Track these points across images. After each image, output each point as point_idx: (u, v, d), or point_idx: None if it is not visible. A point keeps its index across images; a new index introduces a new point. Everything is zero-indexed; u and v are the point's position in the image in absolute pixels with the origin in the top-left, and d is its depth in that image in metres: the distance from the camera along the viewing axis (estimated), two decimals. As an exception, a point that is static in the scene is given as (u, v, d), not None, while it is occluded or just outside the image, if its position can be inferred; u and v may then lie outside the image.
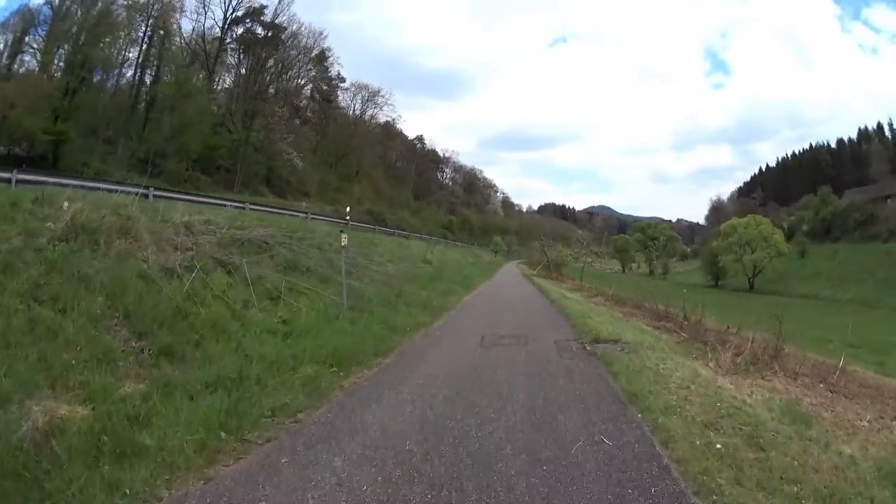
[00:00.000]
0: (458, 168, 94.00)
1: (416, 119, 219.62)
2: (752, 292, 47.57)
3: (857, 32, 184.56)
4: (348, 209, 19.50)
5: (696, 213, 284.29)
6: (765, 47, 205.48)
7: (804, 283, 46.24)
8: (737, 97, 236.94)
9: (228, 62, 49.77)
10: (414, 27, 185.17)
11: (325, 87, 61.58)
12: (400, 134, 73.74)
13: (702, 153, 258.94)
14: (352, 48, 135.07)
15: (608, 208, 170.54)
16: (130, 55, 37.79)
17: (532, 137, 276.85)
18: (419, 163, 79.27)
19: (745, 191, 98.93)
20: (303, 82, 58.61)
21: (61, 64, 32.19)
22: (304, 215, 15.84)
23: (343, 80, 62.63)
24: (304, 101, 61.06)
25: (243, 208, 13.69)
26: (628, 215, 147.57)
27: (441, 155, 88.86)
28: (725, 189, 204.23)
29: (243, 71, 50.35)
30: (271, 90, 52.77)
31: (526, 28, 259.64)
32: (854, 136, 79.56)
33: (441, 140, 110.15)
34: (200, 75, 43.28)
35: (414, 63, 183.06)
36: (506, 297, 15.14)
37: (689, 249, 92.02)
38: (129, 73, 38.42)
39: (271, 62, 51.31)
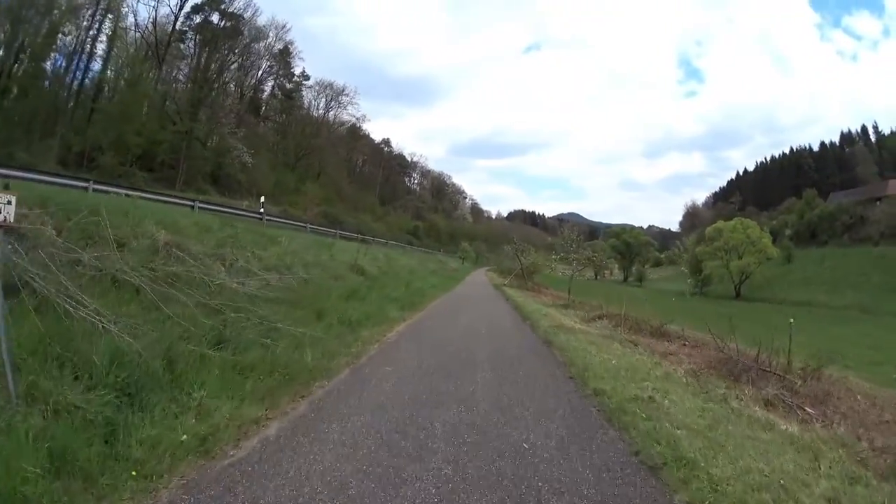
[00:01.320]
0: (426, 173, 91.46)
1: (387, 126, 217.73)
2: (740, 300, 44.98)
3: (837, 40, 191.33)
4: (262, 199, 15.28)
5: (668, 219, 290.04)
6: (740, 56, 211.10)
7: (794, 289, 43.90)
8: (710, 105, 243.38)
9: (184, 53, 44.60)
10: (388, 33, 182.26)
11: (287, 85, 56.88)
12: (366, 136, 69.88)
13: (673, 160, 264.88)
14: (325, 54, 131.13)
15: (578, 215, 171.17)
16: (86, 46, 33.54)
17: (503, 145, 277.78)
18: (386, 167, 75.48)
19: (722, 195, 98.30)
20: (261, 74, 53.82)
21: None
22: (192, 205, 11.35)
23: (307, 77, 58.35)
24: (265, 98, 56.15)
25: (86, 188, 9.23)
26: (599, 222, 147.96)
27: (409, 159, 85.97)
28: (697, 195, 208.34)
29: (195, 62, 45.25)
30: (231, 86, 47.91)
31: (500, 34, 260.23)
32: (836, 140, 79.73)
33: (412, 147, 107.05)
34: (152, 71, 38.25)
35: (387, 68, 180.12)
36: (464, 330, 8.85)
37: (662, 256, 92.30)
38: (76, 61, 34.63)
39: (226, 50, 46.51)
